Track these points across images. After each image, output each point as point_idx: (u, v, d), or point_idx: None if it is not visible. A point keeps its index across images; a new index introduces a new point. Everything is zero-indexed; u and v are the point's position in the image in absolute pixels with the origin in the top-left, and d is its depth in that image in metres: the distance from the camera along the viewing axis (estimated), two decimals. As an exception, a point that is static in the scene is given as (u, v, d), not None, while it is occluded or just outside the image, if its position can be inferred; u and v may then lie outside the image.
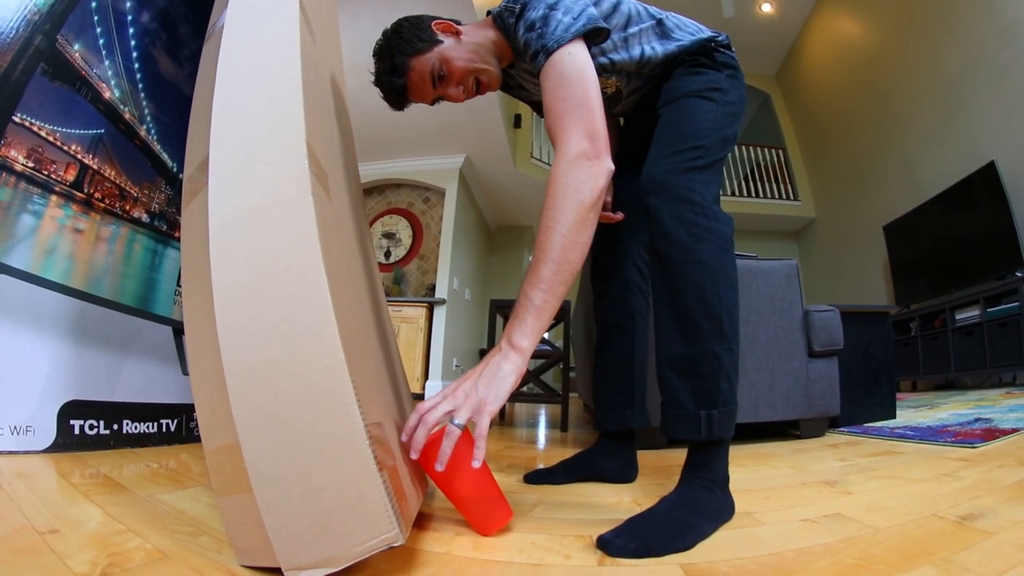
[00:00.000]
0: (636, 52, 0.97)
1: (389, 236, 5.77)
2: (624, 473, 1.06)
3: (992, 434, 1.46)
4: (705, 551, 0.62)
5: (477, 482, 0.66)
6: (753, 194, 6.75)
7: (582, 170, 0.70)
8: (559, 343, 2.42)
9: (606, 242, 1.14)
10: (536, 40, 0.80)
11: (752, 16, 6.35)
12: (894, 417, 2.06)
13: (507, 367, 0.66)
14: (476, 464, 0.62)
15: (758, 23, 6.45)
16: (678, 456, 1.40)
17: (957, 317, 3.71)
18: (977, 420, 1.80)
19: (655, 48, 0.96)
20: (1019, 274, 3.28)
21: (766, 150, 7.11)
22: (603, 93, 1.02)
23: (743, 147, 6.97)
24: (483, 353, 5.68)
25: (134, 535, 0.59)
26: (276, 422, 0.47)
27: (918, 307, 4.28)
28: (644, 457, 1.17)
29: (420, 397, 4.55)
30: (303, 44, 0.59)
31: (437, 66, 0.90)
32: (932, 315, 4.03)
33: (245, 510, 0.48)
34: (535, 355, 2.39)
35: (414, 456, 0.62)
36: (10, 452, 0.87)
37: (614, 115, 1.17)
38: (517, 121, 5.73)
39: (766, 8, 6.24)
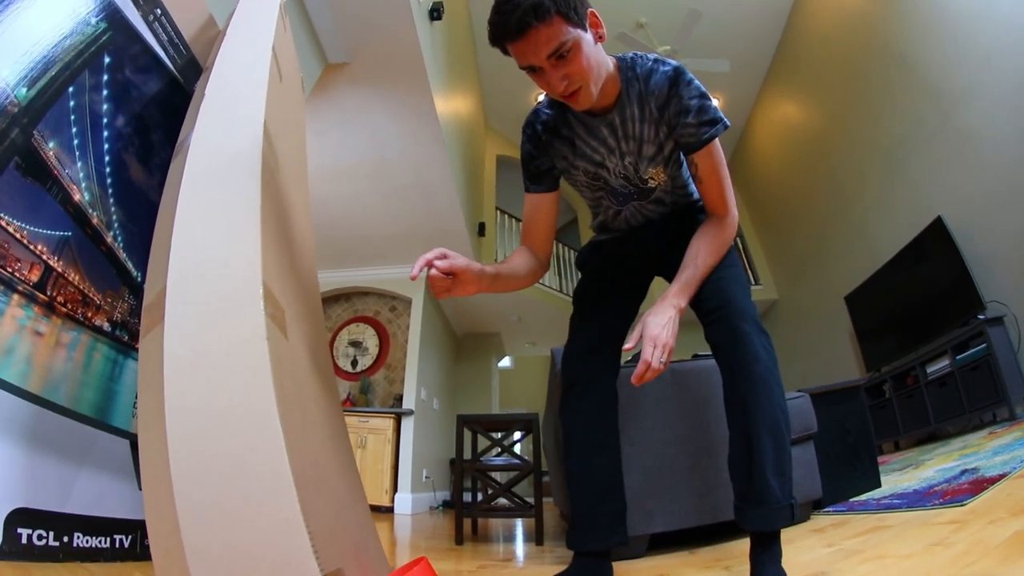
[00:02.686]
0: (687, 174, 1.16)
1: (356, 344, 5.76)
2: None
3: (980, 486, 1.45)
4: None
5: None
6: (716, 285, 7.04)
7: (733, 234, 1.09)
8: (528, 457, 2.45)
9: (584, 353, 1.15)
10: (713, 111, 1.01)
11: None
12: (879, 485, 2.04)
13: (676, 320, 0.96)
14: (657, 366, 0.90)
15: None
16: (649, 566, 1.37)
17: (928, 371, 3.79)
18: (963, 472, 1.79)
19: (692, 184, 1.17)
20: (981, 316, 3.40)
21: (724, 237, 7.46)
22: (645, 181, 1.11)
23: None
24: (453, 462, 5.47)
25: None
26: (232, 573, 0.44)
27: (889, 368, 4.36)
28: (615, 569, 1.13)
29: (389, 511, 4.42)
30: (265, 172, 0.61)
31: (568, 44, 0.86)
32: (904, 374, 4.10)
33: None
34: (507, 468, 2.52)
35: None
36: (-52, 560, 0.80)
37: (619, 208, 1.20)
38: (481, 230, 5.93)
39: (715, 102, 6.75)
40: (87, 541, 1.03)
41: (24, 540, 0.91)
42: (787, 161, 6.38)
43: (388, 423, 4.84)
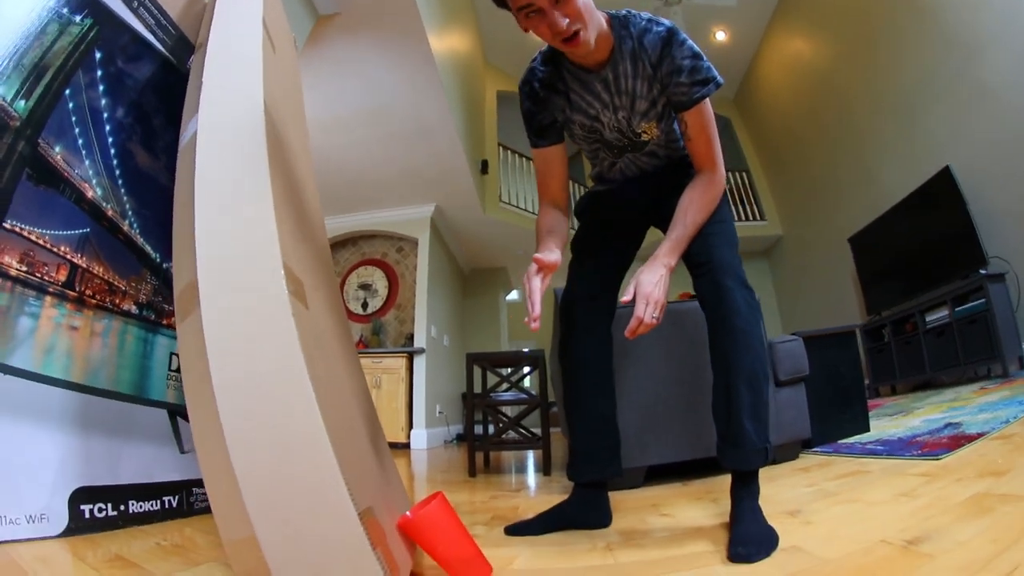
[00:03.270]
0: (678, 131, 1.16)
1: (365, 287, 5.77)
2: (599, 520, 1.14)
3: (958, 442, 1.53)
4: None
5: (457, 545, 0.78)
6: (720, 218, 6.94)
7: (721, 191, 1.11)
8: (536, 392, 2.55)
9: (583, 300, 1.21)
10: (707, 70, 1.02)
11: (706, 45, 6.56)
12: (868, 430, 2.12)
13: (667, 278, 1.01)
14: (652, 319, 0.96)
15: (713, 51, 6.71)
16: (645, 496, 1.49)
17: (927, 319, 3.81)
18: (947, 426, 1.87)
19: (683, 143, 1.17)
20: (983, 272, 3.39)
21: (729, 173, 7.31)
22: (639, 135, 1.14)
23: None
24: (464, 397, 5.80)
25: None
26: (285, 520, 0.54)
27: (889, 313, 4.38)
28: (614, 498, 1.24)
29: (405, 447, 4.63)
30: (271, 150, 0.66)
31: None
32: (903, 320, 4.12)
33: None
34: (515, 403, 2.60)
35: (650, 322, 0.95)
36: (28, 539, 0.92)
37: (614, 160, 1.24)
38: (484, 167, 5.80)
39: (720, 36, 6.47)
40: (140, 506, 1.16)
41: (88, 515, 1.04)
42: (796, 97, 6.13)
43: (401, 362, 4.90)
